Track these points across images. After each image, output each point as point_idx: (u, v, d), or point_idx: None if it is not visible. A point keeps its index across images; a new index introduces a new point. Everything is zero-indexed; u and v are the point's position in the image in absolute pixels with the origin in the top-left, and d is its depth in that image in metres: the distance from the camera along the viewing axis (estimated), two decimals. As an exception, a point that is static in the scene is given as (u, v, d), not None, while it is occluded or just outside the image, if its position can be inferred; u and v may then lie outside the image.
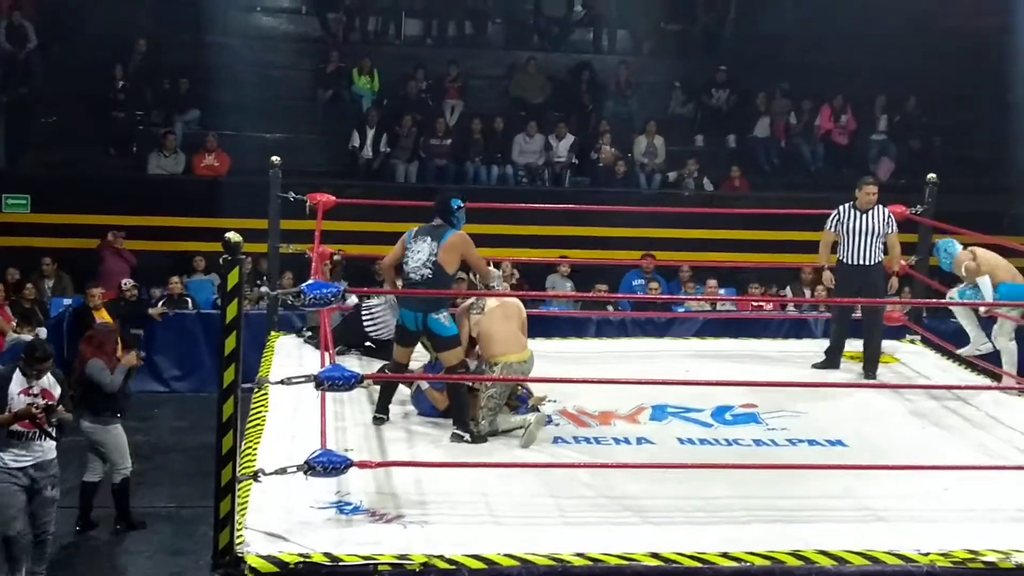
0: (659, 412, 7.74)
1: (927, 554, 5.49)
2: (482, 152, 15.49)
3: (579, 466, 6.50)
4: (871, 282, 8.62)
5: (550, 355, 9.23)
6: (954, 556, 5.49)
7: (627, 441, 7.20)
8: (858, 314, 8.94)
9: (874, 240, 8.61)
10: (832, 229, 8.77)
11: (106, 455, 8.42)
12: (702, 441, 7.25)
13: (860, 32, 15.82)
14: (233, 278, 5.21)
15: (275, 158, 9.31)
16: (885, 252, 8.75)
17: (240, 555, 5.23)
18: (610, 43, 17.56)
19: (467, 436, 6.86)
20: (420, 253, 7.10)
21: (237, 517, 5.39)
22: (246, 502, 5.72)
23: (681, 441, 7.23)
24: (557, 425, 7.42)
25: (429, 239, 7.13)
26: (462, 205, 7.35)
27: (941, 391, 8.19)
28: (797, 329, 10.95)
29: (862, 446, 7.14)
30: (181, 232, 13.98)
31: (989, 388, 8.28)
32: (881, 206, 8.71)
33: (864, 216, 8.63)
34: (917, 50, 15.74)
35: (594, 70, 16.68)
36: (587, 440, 7.19)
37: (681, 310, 11.82)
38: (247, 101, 15.03)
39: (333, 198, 9.22)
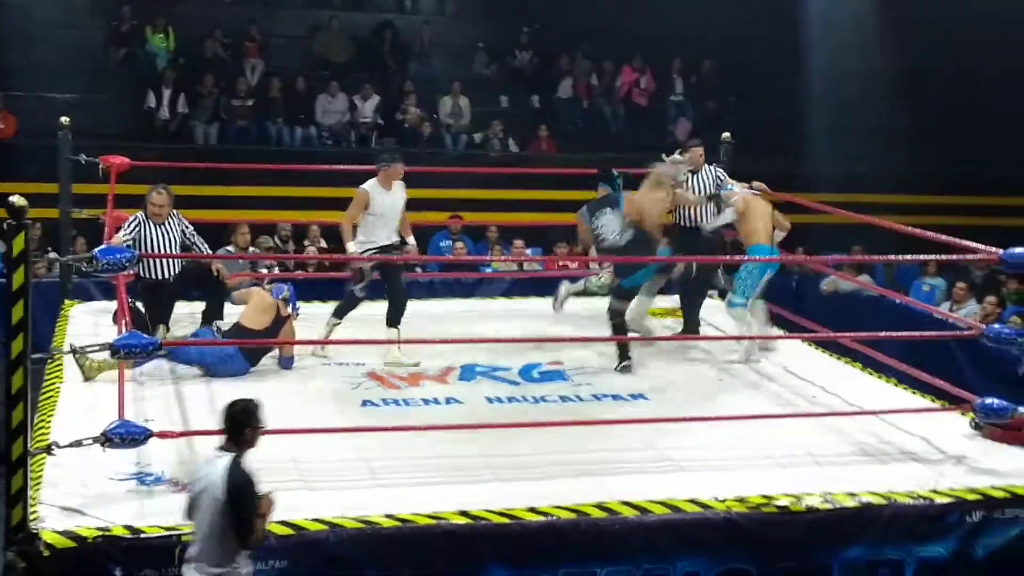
0: (468, 372, 7.82)
1: (724, 500, 5.69)
2: (284, 113, 15.19)
3: (387, 429, 6.47)
4: (704, 243, 8.73)
5: (358, 318, 9.18)
6: (749, 502, 5.71)
7: (436, 402, 7.24)
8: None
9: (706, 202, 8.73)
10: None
11: None
12: (510, 399, 7.35)
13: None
14: (18, 244, 5.01)
15: (64, 119, 8.94)
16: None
17: (35, 531, 5.04)
18: (413, 3, 17.43)
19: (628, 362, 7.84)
20: (612, 224, 7.74)
21: (31, 492, 5.21)
22: (40, 476, 5.52)
23: (489, 400, 7.31)
24: (367, 388, 7.40)
25: (609, 210, 7.82)
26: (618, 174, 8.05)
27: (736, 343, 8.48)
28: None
29: (662, 399, 7.37)
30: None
31: (778, 338, 8.61)
32: (710, 167, 8.85)
33: (695, 177, 8.76)
34: (714, 15, 16.14)
35: (397, 30, 16.53)
36: (396, 402, 7.19)
37: (488, 270, 11.86)
38: (35, 60, 14.32)
39: (127, 160, 8.94)
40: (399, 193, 8.30)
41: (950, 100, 15.84)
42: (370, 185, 8.28)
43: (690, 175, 8.74)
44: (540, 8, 17.23)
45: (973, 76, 15.93)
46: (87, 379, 7.05)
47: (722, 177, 8.82)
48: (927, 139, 15.70)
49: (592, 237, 7.98)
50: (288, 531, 5.21)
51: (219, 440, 4.78)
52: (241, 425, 4.72)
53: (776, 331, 8.79)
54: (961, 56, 15.84)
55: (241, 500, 4.60)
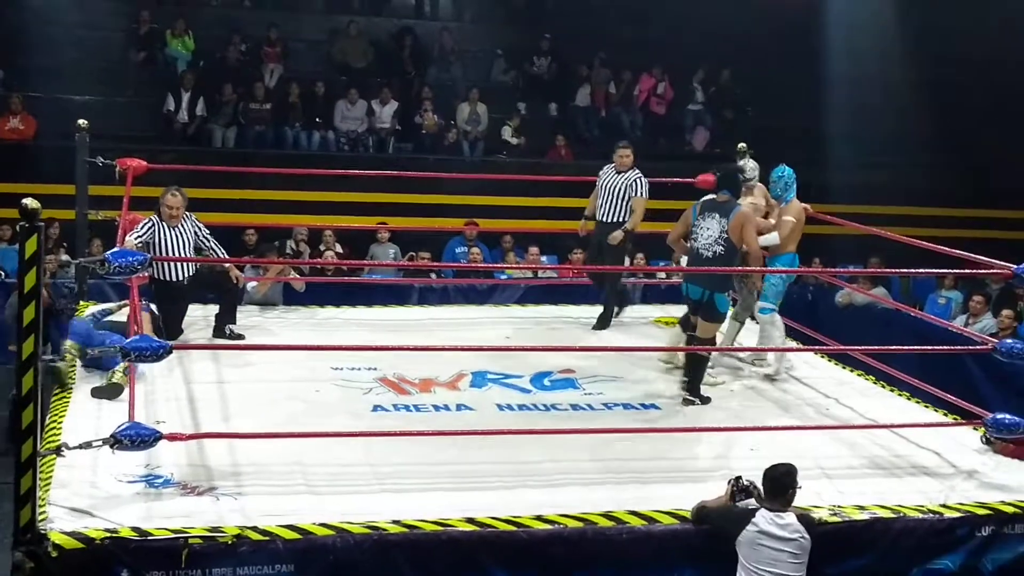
0: (479, 379, 7.79)
1: (733, 512, 5.66)
2: (302, 117, 15.23)
3: (396, 434, 6.48)
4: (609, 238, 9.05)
5: (371, 323, 9.25)
6: (758, 513, 5.67)
7: (447, 408, 7.22)
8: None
9: (618, 200, 9.05)
10: (598, 184, 9.27)
11: None
12: (521, 407, 7.32)
13: (677, 4, 16.08)
14: (31, 246, 5.01)
15: (82, 121, 8.98)
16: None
17: (43, 532, 5.06)
18: (432, 8, 17.48)
19: (698, 401, 7.36)
20: (710, 230, 7.33)
21: (40, 493, 5.22)
22: (50, 477, 5.54)
23: (500, 407, 7.28)
24: (378, 393, 7.40)
25: (717, 215, 7.34)
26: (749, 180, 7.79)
27: (750, 354, 8.45)
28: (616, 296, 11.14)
29: (673, 409, 7.34)
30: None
31: (793, 350, 8.57)
32: (636, 171, 9.11)
33: (617, 176, 9.12)
34: (732, 23, 16.11)
35: (417, 36, 16.56)
36: (407, 408, 7.19)
37: (503, 277, 11.87)
38: (55, 62, 14.40)
39: (144, 163, 8.98)
40: None
41: (970, 111, 15.78)
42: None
43: (613, 173, 9.13)
44: (559, 15, 17.25)
45: (993, 87, 15.86)
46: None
47: (637, 183, 9.04)
48: (946, 150, 15.65)
49: (687, 231, 7.60)
50: (295, 535, 5.21)
51: (766, 500, 5.46)
52: (787, 487, 5.43)
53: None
54: (981, 66, 15.78)
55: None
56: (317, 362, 7.78)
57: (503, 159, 15.58)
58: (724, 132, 16.02)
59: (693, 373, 7.49)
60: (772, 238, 8.07)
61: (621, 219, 9.07)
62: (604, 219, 9.12)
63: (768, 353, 8.27)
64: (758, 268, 7.80)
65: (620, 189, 9.05)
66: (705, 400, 7.49)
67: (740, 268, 7.71)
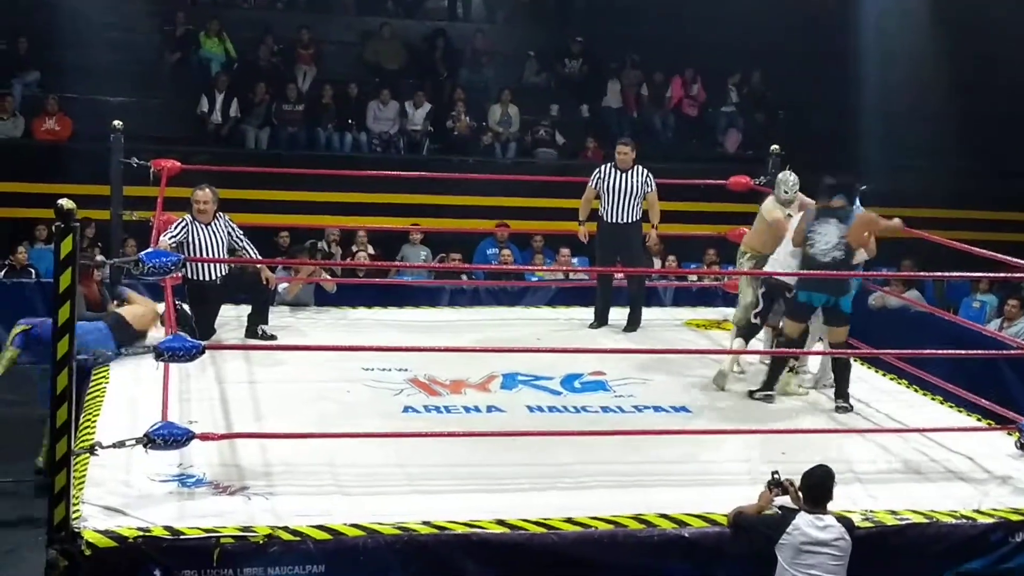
0: (510, 380, 7.79)
1: (764, 516, 5.65)
2: (335, 119, 15.28)
3: (426, 435, 6.49)
4: (627, 239, 9.04)
5: (402, 324, 9.27)
6: (789, 517, 5.65)
7: (477, 409, 7.23)
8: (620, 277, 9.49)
9: (631, 199, 8.97)
10: (593, 186, 9.17)
11: None
12: (551, 409, 7.32)
13: (707, 5, 16.04)
14: (66, 246, 5.06)
15: (117, 122, 9.07)
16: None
17: (77, 530, 5.10)
18: (465, 11, 17.49)
19: (847, 405, 7.43)
20: (828, 235, 7.28)
21: (74, 491, 5.27)
22: (84, 476, 5.59)
23: (531, 409, 7.28)
24: (409, 395, 7.41)
25: (835, 221, 7.30)
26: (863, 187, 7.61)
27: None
28: (646, 298, 11.12)
29: (705, 412, 7.32)
30: (20, 199, 13.44)
31: (825, 354, 8.51)
32: (641, 166, 9.04)
33: (623, 175, 8.98)
34: (763, 25, 16.04)
35: (449, 37, 16.58)
36: (437, 409, 7.20)
37: (534, 279, 11.87)
38: (90, 63, 14.48)
39: (178, 164, 9.06)
40: None
41: (1001, 114, 15.64)
42: None
43: (616, 172, 9.03)
44: (590, 17, 17.22)
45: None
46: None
47: (650, 179, 9.02)
48: (977, 154, 15.51)
49: (803, 240, 7.44)
50: (325, 536, 5.23)
51: (802, 503, 5.46)
52: (826, 489, 5.44)
53: None
54: (1012, 68, 15.63)
55: None
56: (348, 363, 7.80)
57: (538, 158, 15.55)
58: (756, 134, 15.95)
59: (841, 376, 7.52)
60: (864, 255, 7.80)
61: (637, 218, 9.04)
62: (618, 220, 9.02)
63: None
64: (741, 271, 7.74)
65: (632, 187, 8.98)
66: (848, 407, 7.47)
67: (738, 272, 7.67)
